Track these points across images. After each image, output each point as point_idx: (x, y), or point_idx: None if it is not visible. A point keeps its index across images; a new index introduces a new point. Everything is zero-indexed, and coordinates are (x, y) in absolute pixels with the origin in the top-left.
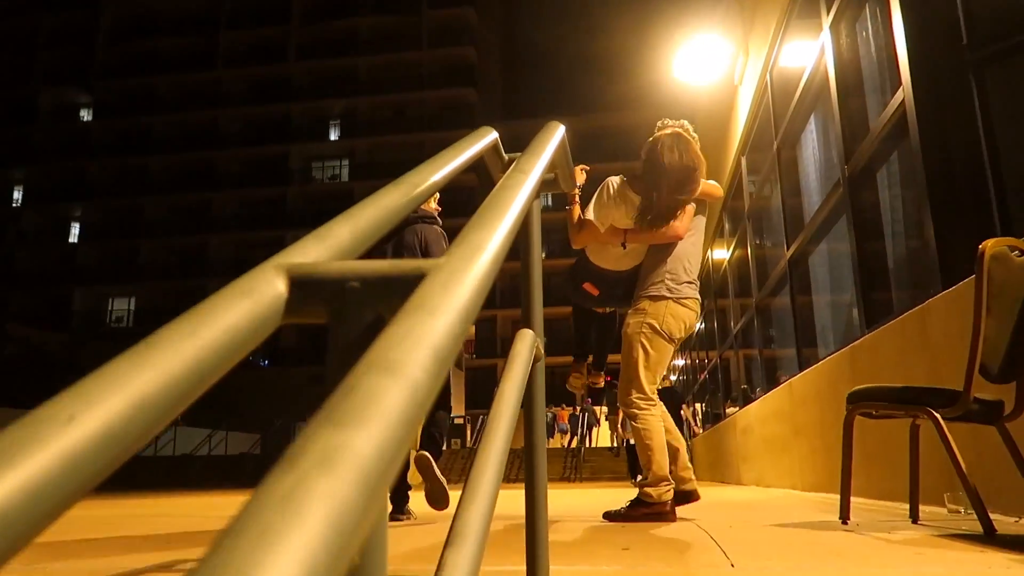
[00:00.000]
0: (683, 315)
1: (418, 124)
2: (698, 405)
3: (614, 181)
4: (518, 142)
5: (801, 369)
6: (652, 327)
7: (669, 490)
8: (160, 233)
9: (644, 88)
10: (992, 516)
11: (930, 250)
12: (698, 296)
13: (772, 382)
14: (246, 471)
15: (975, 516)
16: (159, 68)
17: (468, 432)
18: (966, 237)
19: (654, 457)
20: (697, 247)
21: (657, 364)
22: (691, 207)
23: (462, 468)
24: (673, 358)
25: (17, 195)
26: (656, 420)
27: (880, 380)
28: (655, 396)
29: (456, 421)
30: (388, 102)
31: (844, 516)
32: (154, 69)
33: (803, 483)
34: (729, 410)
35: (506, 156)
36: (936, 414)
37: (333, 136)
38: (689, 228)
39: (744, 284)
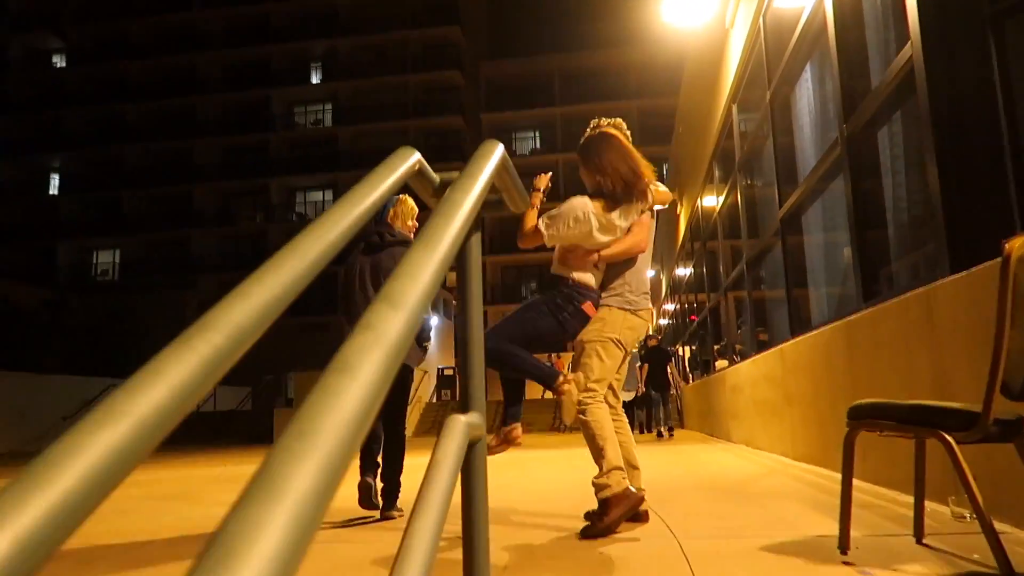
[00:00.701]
0: (639, 327)
1: (401, 66)
2: (687, 349)
3: (580, 205)
4: (504, 82)
5: (793, 335)
6: (609, 337)
7: (625, 477)
8: (142, 183)
9: (633, 27)
10: (999, 528)
11: (937, 226)
12: (651, 306)
13: (761, 346)
14: (237, 428)
15: (980, 528)
16: (133, 10)
17: (458, 382)
18: (979, 215)
19: (606, 448)
20: (650, 256)
21: (609, 372)
22: (647, 216)
23: None
24: (625, 361)
25: None
26: (604, 411)
27: (878, 360)
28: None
29: (446, 372)
30: (370, 43)
31: (843, 546)
32: (128, 11)
33: (795, 452)
34: (718, 363)
35: (438, 178)
36: (949, 438)
37: (315, 79)
38: (649, 239)
39: (735, 230)
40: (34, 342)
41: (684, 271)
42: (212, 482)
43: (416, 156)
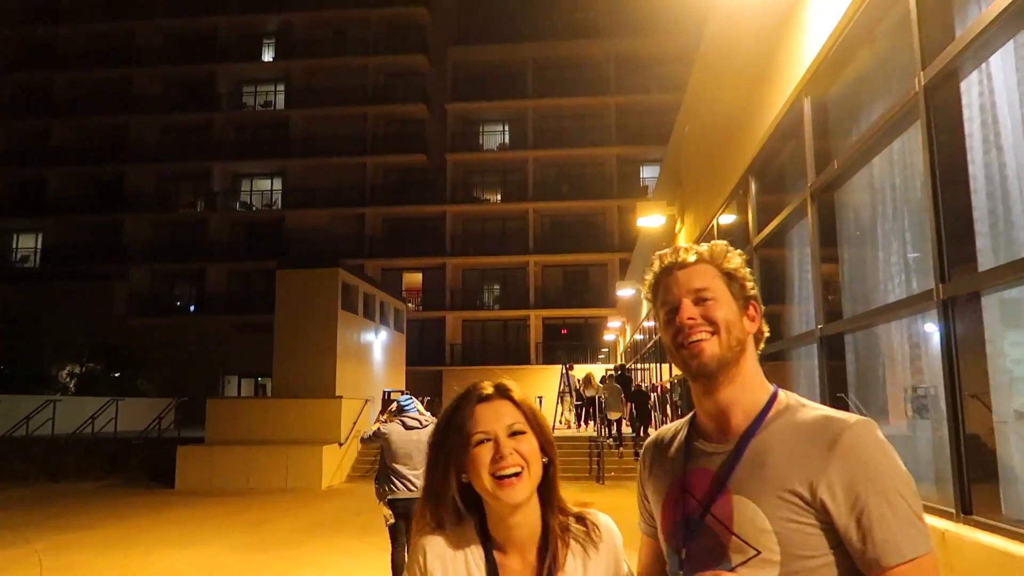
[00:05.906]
0: None
1: (362, 46)
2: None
3: None
4: (473, 70)
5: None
6: None
7: None
8: (70, 161)
9: (614, 16)
10: None
11: None
12: None
13: None
14: (140, 461)
15: None
16: None
17: None
18: None
19: None
20: None
21: None
22: None
23: None
24: None
25: None
26: None
27: None
28: None
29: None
30: (329, 19)
31: None
32: None
33: None
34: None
35: None
36: None
37: (267, 57)
38: None
39: (773, 291)
40: None
41: None
42: None
43: None
